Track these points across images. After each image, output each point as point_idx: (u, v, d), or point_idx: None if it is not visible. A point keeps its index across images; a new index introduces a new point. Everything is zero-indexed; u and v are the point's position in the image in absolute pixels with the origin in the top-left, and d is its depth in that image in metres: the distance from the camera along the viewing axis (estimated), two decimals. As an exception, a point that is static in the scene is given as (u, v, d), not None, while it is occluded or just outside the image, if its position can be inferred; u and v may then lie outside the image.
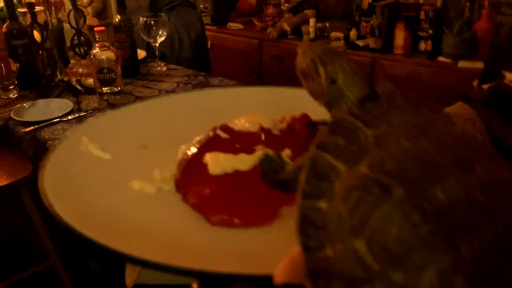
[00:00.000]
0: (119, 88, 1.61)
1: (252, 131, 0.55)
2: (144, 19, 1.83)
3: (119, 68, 1.59)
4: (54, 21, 1.77)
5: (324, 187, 0.33)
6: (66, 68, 1.71)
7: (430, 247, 0.27)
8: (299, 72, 0.44)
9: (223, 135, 0.55)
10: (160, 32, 1.85)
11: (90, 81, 1.63)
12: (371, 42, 2.46)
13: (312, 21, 2.60)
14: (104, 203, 0.49)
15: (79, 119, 1.47)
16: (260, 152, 0.50)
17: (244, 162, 0.50)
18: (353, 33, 2.52)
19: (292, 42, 2.65)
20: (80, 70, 1.69)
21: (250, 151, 0.52)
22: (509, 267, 0.27)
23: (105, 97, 1.59)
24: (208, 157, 0.51)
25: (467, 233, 0.27)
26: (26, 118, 1.45)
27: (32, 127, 1.40)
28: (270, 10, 2.77)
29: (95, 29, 1.54)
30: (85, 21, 1.86)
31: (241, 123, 0.57)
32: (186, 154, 0.54)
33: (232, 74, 2.76)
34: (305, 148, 0.43)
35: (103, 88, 1.58)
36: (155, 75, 1.85)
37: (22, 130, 1.39)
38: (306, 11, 2.72)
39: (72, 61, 1.81)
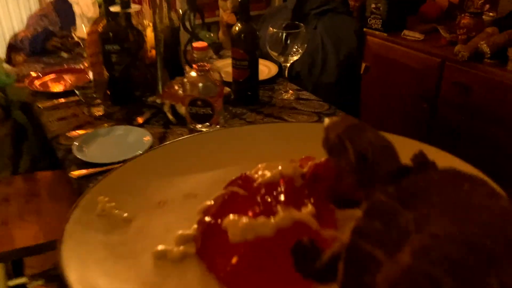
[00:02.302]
0: (218, 126, 1.18)
1: (273, 180, 0.54)
2: (274, 30, 1.34)
3: (220, 102, 1.14)
4: (166, 21, 1.39)
5: (365, 280, 0.32)
6: (166, 86, 1.33)
7: None
8: (326, 149, 0.45)
9: (242, 192, 0.53)
10: (295, 49, 1.35)
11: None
12: None
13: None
14: (127, 276, 0.48)
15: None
16: (281, 214, 0.48)
17: (265, 227, 0.47)
18: None
19: (488, 70, 1.89)
20: (180, 91, 1.29)
21: (270, 211, 0.49)
22: None
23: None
24: (228, 224, 0.49)
25: None
26: (86, 155, 1.10)
27: (85, 171, 1.05)
28: (466, 20, 2.01)
29: (194, 45, 1.11)
30: (203, 22, 1.45)
31: (261, 172, 0.56)
32: (205, 215, 0.52)
33: (393, 98, 2.11)
34: (327, 199, 0.48)
35: (196, 125, 1.16)
36: (277, 107, 1.36)
37: (72, 175, 1.04)
38: (520, 26, 1.91)
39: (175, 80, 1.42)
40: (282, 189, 0.52)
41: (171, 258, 0.50)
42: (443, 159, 0.45)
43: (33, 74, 1.53)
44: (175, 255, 0.50)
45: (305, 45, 1.35)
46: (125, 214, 0.57)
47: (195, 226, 0.54)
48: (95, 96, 1.31)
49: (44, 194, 1.28)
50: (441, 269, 0.27)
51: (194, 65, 1.13)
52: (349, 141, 0.41)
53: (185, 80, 1.14)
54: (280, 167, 0.56)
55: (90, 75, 1.32)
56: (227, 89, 1.39)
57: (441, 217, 0.32)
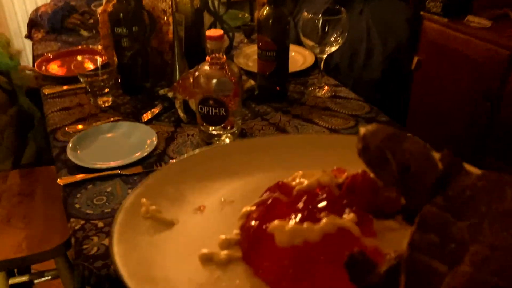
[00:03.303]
0: (235, 130, 1.00)
1: (310, 188, 0.55)
2: (310, 15, 1.13)
3: (236, 102, 0.96)
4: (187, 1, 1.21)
5: None
6: (180, 77, 1.16)
7: None
8: (365, 161, 0.43)
9: (283, 198, 0.54)
10: (333, 39, 1.14)
11: (198, 107, 1.05)
12: None
13: None
14: (178, 278, 0.49)
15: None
16: (326, 220, 0.48)
17: (312, 232, 0.47)
18: None
19: None
20: (196, 84, 1.12)
21: (314, 217, 0.49)
22: None
23: (212, 139, 1.00)
24: (274, 229, 0.49)
25: None
26: (80, 157, 0.96)
27: (72, 178, 0.90)
28: (545, 6, 1.71)
29: (207, 32, 0.92)
30: (230, 4, 1.26)
31: (298, 180, 0.57)
32: (248, 220, 0.53)
33: (449, 96, 1.85)
34: (368, 210, 0.49)
35: (209, 127, 0.99)
36: (307, 106, 1.17)
37: (60, 182, 0.90)
38: None
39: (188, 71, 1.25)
40: (323, 197, 0.53)
41: (218, 261, 0.51)
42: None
43: (48, 55, 1.40)
44: (222, 258, 0.51)
45: (346, 34, 1.14)
46: (168, 218, 0.59)
47: (236, 231, 0.55)
48: (102, 84, 1.16)
49: (39, 193, 1.16)
50: (503, 278, 0.28)
51: (207, 57, 0.95)
52: (390, 152, 0.41)
53: (197, 73, 0.96)
54: (317, 175, 0.57)
55: (98, 60, 1.16)
56: (251, 83, 1.21)
57: (492, 227, 0.33)
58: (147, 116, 1.10)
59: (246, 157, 0.71)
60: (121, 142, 1.02)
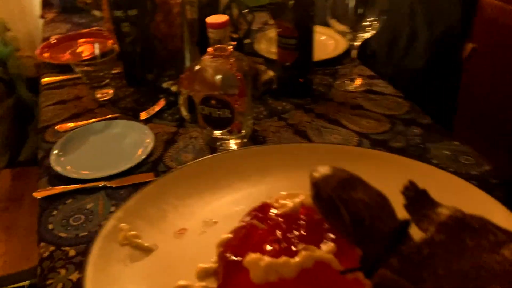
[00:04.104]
0: (243, 133, 0.84)
1: (293, 211, 0.53)
2: (339, -5, 0.94)
3: (243, 102, 0.81)
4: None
5: None
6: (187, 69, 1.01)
7: None
8: (318, 210, 0.42)
9: (261, 226, 0.53)
10: (368, 23, 0.95)
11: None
12: None
13: None
14: None
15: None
16: (303, 253, 0.46)
17: (288, 267, 0.45)
18: None
19: None
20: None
21: (291, 249, 0.48)
22: None
23: (216, 144, 0.85)
24: (249, 264, 0.47)
25: None
26: (64, 165, 0.83)
27: (50, 191, 0.78)
28: None
29: (207, 20, 0.76)
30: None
31: (282, 202, 0.56)
32: (225, 249, 0.51)
33: (509, 88, 1.60)
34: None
35: (213, 131, 0.84)
36: (335, 103, 0.99)
37: (36, 195, 0.78)
38: None
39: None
40: (303, 223, 0.52)
41: None
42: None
43: (51, 40, 1.28)
44: None
45: (385, 17, 0.94)
46: (146, 244, 0.57)
47: (215, 258, 0.53)
48: (101, 75, 1.03)
49: (28, 199, 1.06)
50: None
51: (209, 48, 0.79)
52: (342, 203, 0.39)
53: (197, 67, 0.81)
54: (301, 197, 0.55)
55: (96, 47, 1.03)
56: (269, 74, 1.04)
57: None
58: (145, 114, 0.96)
59: (235, 170, 0.68)
60: (113, 145, 0.88)
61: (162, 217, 0.61)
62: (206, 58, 0.79)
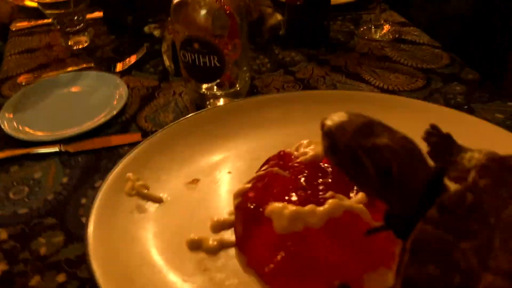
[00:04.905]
0: (237, 88, 0.67)
1: (315, 160, 0.49)
2: None
3: (237, 47, 0.63)
4: None
5: None
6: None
7: None
8: (335, 165, 0.35)
9: (283, 173, 0.48)
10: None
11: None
12: None
13: None
14: (157, 269, 0.44)
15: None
16: (331, 201, 0.42)
17: (315, 217, 0.41)
18: None
19: None
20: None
21: (318, 196, 0.44)
22: None
23: (204, 102, 0.68)
24: (272, 213, 0.43)
25: None
26: (15, 124, 0.67)
27: (2, 154, 0.63)
28: None
29: None
30: None
31: (302, 150, 0.51)
32: (244, 200, 0.47)
33: None
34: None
35: (199, 85, 0.67)
36: (356, 54, 0.80)
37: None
38: None
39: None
40: (329, 170, 0.47)
41: (207, 249, 0.46)
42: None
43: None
44: (211, 246, 0.46)
45: None
46: (156, 195, 0.52)
47: (230, 211, 0.49)
48: (76, 18, 0.86)
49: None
50: None
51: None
52: (363, 152, 0.31)
53: (172, 8, 0.63)
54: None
55: (69, -15, 0.86)
56: (277, 18, 0.85)
57: (507, 246, 0.26)
58: (122, 65, 0.79)
59: (251, 119, 0.61)
60: (79, 102, 0.72)
61: (172, 168, 0.55)
62: (189, -10, 0.61)
